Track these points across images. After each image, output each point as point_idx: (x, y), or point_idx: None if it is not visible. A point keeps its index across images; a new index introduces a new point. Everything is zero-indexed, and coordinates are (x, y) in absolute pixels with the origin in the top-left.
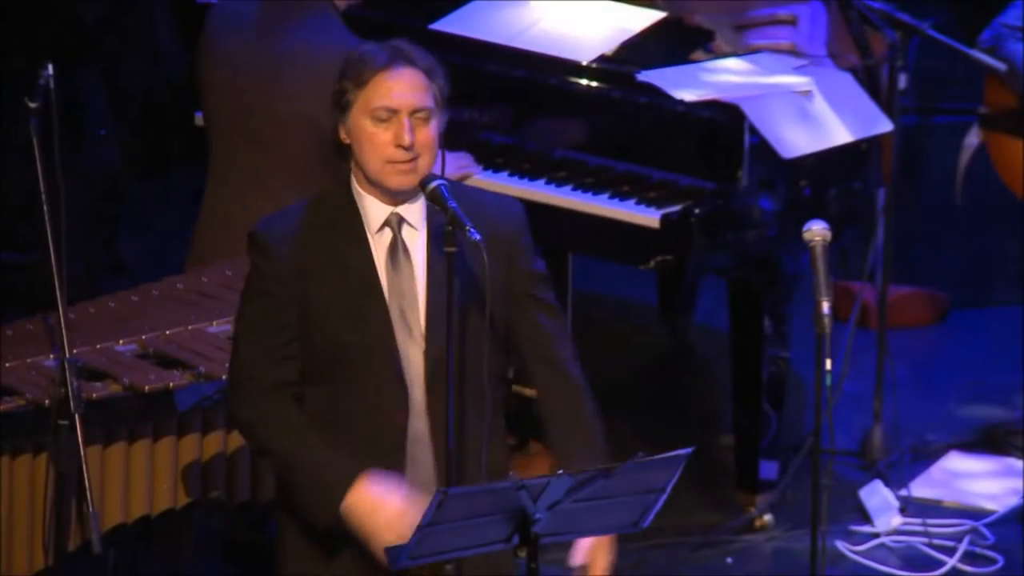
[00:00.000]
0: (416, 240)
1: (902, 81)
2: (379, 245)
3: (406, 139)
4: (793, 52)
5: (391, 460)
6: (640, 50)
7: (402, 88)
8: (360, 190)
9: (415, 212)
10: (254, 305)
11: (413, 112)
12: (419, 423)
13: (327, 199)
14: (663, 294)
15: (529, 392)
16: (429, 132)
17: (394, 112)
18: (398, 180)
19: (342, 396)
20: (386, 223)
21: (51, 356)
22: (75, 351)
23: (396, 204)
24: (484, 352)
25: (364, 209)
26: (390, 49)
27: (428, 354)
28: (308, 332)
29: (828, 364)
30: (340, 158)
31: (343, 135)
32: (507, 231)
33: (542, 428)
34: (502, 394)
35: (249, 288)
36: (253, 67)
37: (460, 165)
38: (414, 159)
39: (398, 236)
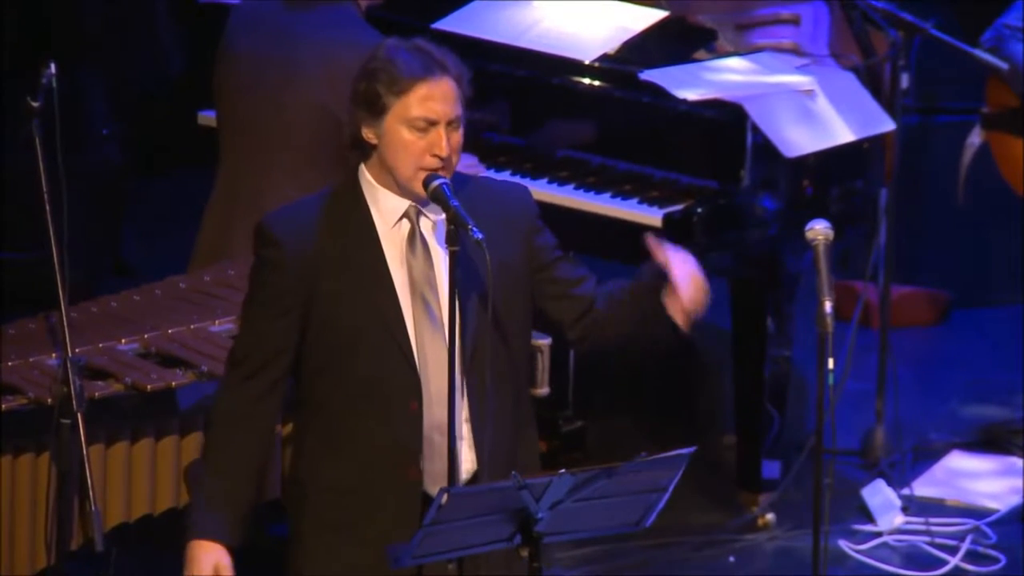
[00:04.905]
0: (435, 231)
1: (904, 80)
2: (396, 237)
3: (444, 150)
4: (796, 51)
5: (404, 448)
6: (642, 49)
7: (441, 100)
8: (374, 183)
9: (433, 204)
10: (257, 295)
11: (449, 123)
12: (440, 411)
13: (336, 193)
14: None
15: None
16: (458, 138)
17: (433, 124)
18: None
19: (353, 386)
20: (404, 215)
21: (53, 355)
22: (77, 350)
23: (413, 197)
24: (486, 344)
25: (377, 202)
26: (424, 56)
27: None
28: (318, 323)
29: (830, 363)
30: (357, 154)
31: (368, 135)
32: (522, 213)
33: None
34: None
35: (254, 278)
36: (270, 64)
37: (466, 165)
38: (446, 167)
39: (416, 227)
